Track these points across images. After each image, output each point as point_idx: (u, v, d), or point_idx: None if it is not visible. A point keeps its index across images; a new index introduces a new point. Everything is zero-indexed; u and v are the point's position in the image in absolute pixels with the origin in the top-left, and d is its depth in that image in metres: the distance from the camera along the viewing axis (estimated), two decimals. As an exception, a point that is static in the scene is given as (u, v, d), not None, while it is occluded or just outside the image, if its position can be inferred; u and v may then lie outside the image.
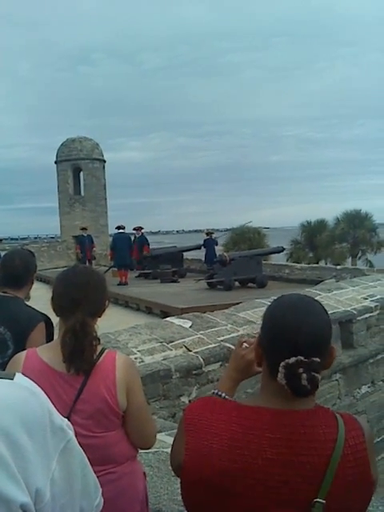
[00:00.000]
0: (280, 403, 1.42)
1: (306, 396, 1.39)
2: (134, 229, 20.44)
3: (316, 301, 1.52)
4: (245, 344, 1.81)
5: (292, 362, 1.34)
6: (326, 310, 1.49)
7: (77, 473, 1.08)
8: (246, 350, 1.79)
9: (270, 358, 1.44)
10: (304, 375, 1.33)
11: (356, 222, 34.99)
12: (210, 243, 20.58)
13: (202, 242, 21.16)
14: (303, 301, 1.48)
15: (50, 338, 2.91)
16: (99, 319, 2.21)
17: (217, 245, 21.09)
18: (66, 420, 1.09)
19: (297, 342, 1.36)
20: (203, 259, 20.86)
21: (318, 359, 1.35)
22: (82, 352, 2.03)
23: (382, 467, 5.45)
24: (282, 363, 1.35)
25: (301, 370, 1.34)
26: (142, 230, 20.96)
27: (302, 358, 1.34)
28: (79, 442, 1.15)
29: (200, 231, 22.46)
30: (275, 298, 1.56)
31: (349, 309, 8.12)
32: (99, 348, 2.12)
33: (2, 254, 4.66)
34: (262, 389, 1.52)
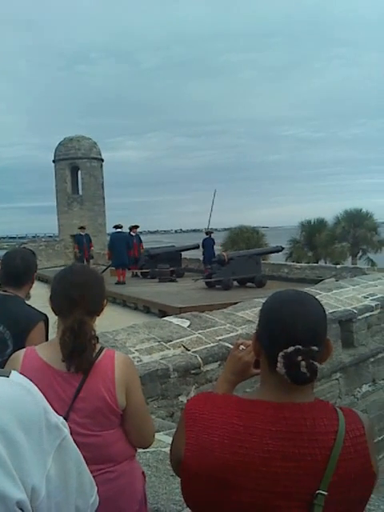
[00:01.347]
0: (280, 396, 1.44)
1: (306, 384, 1.42)
2: (131, 228, 20.42)
3: (310, 295, 1.55)
4: (242, 346, 1.82)
5: (290, 351, 1.37)
6: (320, 303, 1.53)
7: (72, 470, 1.08)
8: (242, 352, 1.80)
9: (269, 350, 1.46)
10: (303, 363, 1.36)
11: (356, 220, 34.89)
12: (208, 243, 20.57)
13: (200, 242, 21.16)
14: (298, 294, 1.53)
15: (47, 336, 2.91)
16: (97, 318, 2.21)
17: (214, 244, 21.06)
18: (61, 418, 1.10)
19: (294, 333, 1.40)
20: (201, 259, 20.86)
21: (315, 348, 1.38)
22: (81, 351, 2.03)
23: (383, 466, 5.45)
24: (281, 353, 1.38)
25: (299, 358, 1.36)
26: (136, 229, 20.97)
27: (299, 346, 1.37)
28: (78, 441, 1.15)
29: (198, 231, 22.49)
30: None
31: (349, 308, 8.12)
32: (98, 347, 2.12)
33: (1, 252, 4.65)
34: (261, 383, 1.54)
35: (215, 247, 21.15)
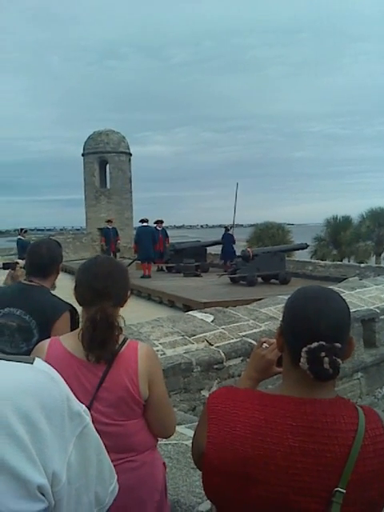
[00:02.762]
0: (302, 392, 1.45)
1: (328, 380, 1.42)
2: (156, 222, 20.42)
3: (334, 291, 1.55)
4: (265, 344, 1.82)
5: (314, 346, 1.38)
6: (344, 300, 1.52)
7: (92, 458, 1.10)
8: (265, 350, 1.80)
9: (292, 346, 1.46)
10: (326, 359, 1.36)
11: (381, 219, 34.53)
12: (227, 238, 20.46)
13: (220, 237, 21.09)
14: (323, 291, 1.52)
15: (75, 326, 2.94)
16: (122, 311, 2.23)
17: (234, 242, 20.85)
18: (84, 406, 1.11)
19: (318, 330, 1.40)
20: (220, 254, 20.84)
21: (339, 345, 1.39)
22: (102, 341, 2.05)
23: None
24: (305, 348, 1.38)
25: (323, 354, 1.37)
26: (163, 224, 20.96)
27: (323, 342, 1.37)
28: (101, 430, 1.17)
29: (224, 226, 22.47)
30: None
31: (372, 307, 8.03)
32: (121, 338, 2.14)
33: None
34: (283, 378, 1.55)
35: (238, 243, 21.00)
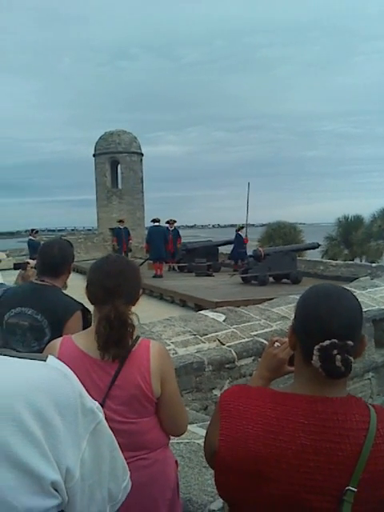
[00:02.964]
0: (314, 390, 1.45)
1: (340, 378, 1.42)
2: (167, 222, 20.41)
3: (347, 289, 1.55)
4: (277, 343, 1.83)
5: (326, 344, 1.38)
6: (356, 298, 1.52)
7: (105, 454, 1.11)
8: (277, 349, 1.81)
9: (305, 343, 1.46)
10: (338, 357, 1.36)
11: (393, 219, 34.36)
12: (236, 239, 20.39)
13: (233, 237, 21.05)
14: (335, 289, 1.52)
15: (87, 325, 2.96)
16: (134, 310, 2.23)
17: (246, 242, 20.68)
18: (97, 403, 1.12)
19: (330, 327, 1.40)
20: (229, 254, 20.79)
21: (351, 342, 1.39)
22: (116, 340, 2.05)
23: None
24: (317, 346, 1.39)
25: (335, 352, 1.37)
26: (175, 224, 20.93)
27: (336, 340, 1.37)
28: (113, 428, 1.17)
29: (235, 226, 22.38)
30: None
31: (383, 307, 8.00)
32: (134, 336, 2.14)
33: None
34: (295, 376, 1.55)
35: (250, 243, 20.90)
